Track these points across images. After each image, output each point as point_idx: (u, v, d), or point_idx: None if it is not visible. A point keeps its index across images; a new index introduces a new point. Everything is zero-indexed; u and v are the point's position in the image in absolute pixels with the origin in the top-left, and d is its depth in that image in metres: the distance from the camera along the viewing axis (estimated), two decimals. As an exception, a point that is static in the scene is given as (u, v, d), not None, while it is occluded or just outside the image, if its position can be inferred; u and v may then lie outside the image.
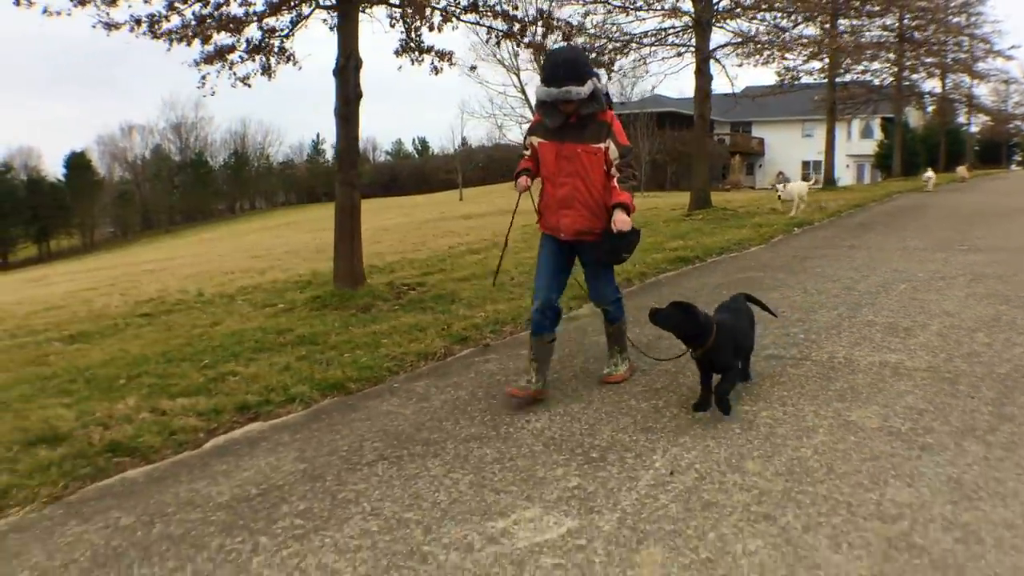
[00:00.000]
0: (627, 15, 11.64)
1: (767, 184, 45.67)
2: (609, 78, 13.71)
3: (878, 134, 46.34)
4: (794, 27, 16.36)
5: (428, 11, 6.99)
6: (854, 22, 19.00)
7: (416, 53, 8.26)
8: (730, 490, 2.77)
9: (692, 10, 12.79)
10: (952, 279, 6.78)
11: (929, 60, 25.68)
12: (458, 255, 10.49)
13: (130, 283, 12.85)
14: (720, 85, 16.53)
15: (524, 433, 3.44)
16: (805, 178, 54.39)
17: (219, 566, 2.44)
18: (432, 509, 2.74)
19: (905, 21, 22.82)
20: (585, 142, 3.69)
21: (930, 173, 22.61)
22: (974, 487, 2.72)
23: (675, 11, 12.99)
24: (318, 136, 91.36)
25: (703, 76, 13.58)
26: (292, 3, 7.20)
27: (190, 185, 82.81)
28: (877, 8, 18.48)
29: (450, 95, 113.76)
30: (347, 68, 6.97)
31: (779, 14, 15.43)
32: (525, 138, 3.97)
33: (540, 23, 8.22)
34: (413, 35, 8.13)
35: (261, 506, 2.85)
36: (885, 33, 22.43)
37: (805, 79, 20.59)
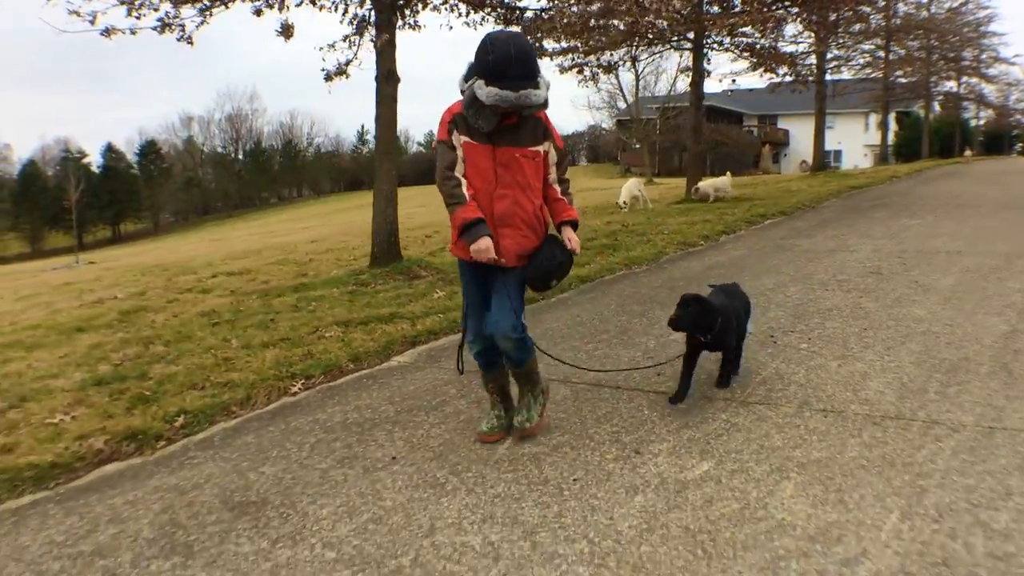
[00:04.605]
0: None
1: (793, 170, 52.60)
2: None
3: (893, 126, 53.27)
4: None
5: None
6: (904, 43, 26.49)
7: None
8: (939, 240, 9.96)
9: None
10: (988, 191, 14.11)
11: (950, 68, 33.11)
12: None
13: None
14: (755, 82, 23.94)
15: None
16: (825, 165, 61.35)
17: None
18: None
19: (934, 43, 30.17)
20: (522, 145, 2.95)
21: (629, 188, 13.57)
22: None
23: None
24: (362, 127, 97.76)
25: (821, 84, 21.00)
26: (665, 46, 14.24)
27: (249, 173, 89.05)
28: (920, 32, 25.89)
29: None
30: (699, 84, 14.06)
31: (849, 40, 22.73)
32: (449, 133, 2.92)
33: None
34: (706, 64, 15.18)
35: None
36: (920, 48, 29.81)
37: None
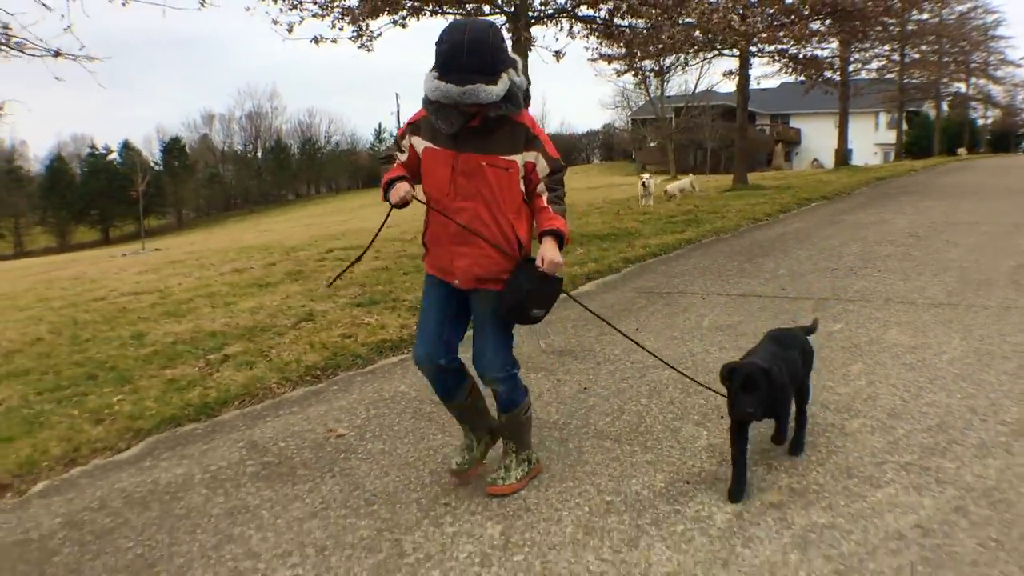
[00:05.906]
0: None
1: (805, 167, 54.33)
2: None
3: (904, 125, 54.96)
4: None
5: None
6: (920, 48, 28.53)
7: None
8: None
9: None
10: (998, 181, 16.01)
11: (960, 70, 35.17)
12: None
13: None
14: (768, 81, 26.16)
15: (903, 197, 12.51)
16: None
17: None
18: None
19: (946, 46, 32.24)
20: (492, 152, 2.59)
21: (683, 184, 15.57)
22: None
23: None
24: (380, 126, 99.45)
25: (845, 87, 23.00)
26: (711, 54, 16.18)
27: (270, 170, 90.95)
28: (932, 36, 27.89)
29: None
30: (745, 87, 16.00)
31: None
32: (402, 138, 2.76)
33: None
34: (748, 71, 17.13)
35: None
36: (932, 52, 31.82)
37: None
